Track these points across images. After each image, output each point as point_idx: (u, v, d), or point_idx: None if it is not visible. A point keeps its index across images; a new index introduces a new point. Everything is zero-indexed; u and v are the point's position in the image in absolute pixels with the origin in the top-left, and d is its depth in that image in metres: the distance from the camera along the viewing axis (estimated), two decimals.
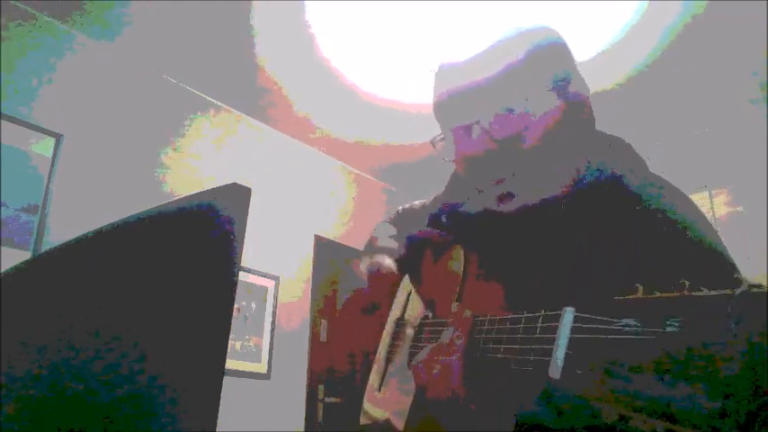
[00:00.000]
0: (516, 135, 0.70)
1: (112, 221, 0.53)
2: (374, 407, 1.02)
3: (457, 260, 0.90)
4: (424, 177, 3.01)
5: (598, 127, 0.80)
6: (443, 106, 0.77)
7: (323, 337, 3.56)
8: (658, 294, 0.41)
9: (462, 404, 0.63)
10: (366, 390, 1.10)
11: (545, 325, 0.53)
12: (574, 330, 0.48)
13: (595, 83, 3.23)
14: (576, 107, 0.73)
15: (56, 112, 2.63)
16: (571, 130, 0.73)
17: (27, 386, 0.48)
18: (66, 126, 2.65)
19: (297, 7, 2.59)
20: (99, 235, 0.52)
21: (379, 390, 1.03)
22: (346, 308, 1.10)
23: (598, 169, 0.73)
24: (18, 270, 0.52)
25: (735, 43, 2.74)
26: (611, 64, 2.88)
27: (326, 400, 3.44)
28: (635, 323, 0.41)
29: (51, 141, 2.58)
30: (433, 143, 0.81)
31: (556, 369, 0.48)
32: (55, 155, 2.58)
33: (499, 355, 0.60)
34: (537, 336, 0.54)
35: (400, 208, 1.20)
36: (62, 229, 2.48)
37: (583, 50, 2.81)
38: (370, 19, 2.66)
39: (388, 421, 0.93)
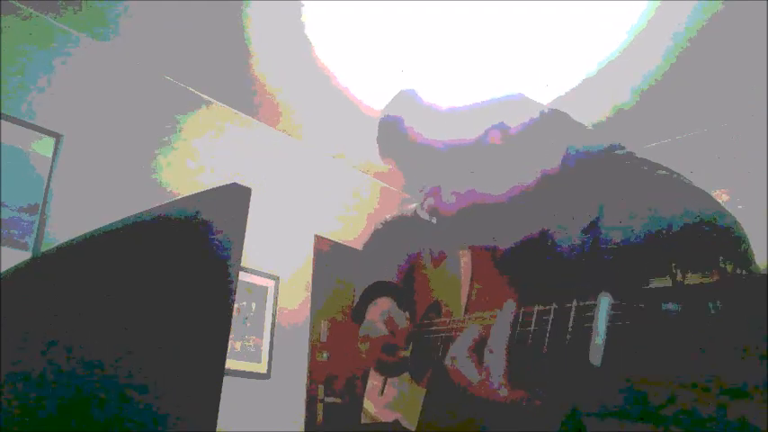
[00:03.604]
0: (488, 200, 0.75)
1: (112, 222, 0.53)
2: (377, 408, 1.03)
3: (458, 263, 0.90)
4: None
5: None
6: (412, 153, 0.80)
7: (323, 337, 3.56)
8: (698, 280, 0.42)
9: (511, 402, 0.60)
10: (367, 391, 1.10)
11: (584, 315, 0.52)
12: (612, 318, 0.48)
13: (597, 88, 3.19)
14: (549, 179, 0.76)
15: (55, 111, 2.63)
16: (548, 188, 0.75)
17: (27, 386, 0.48)
18: (66, 126, 2.64)
19: (295, 6, 2.59)
20: (99, 235, 0.52)
21: (382, 393, 1.04)
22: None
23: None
24: (18, 270, 0.52)
25: (737, 45, 2.75)
26: (613, 67, 2.88)
27: (326, 399, 3.44)
28: (675, 307, 0.42)
29: (51, 141, 2.58)
30: (421, 212, 0.84)
31: (596, 356, 0.48)
32: (55, 155, 2.58)
33: (541, 348, 0.58)
34: (572, 326, 0.53)
35: (389, 216, 1.22)
36: (62, 229, 2.48)
37: (586, 56, 2.82)
38: (368, 20, 2.66)
39: (396, 422, 0.93)
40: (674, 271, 0.43)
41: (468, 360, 0.64)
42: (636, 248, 0.59)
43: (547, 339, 0.57)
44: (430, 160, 0.78)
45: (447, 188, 0.77)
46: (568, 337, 0.53)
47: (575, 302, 0.54)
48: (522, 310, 0.62)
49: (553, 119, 0.80)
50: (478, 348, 0.64)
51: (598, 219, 0.65)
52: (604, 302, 0.49)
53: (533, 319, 0.60)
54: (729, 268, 0.39)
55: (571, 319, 0.53)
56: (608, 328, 0.48)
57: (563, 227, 0.70)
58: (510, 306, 0.63)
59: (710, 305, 0.39)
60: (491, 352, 0.62)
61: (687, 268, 0.42)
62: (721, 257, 0.40)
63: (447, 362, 0.69)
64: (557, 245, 0.70)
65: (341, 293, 3.63)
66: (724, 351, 0.38)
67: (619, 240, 0.61)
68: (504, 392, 0.60)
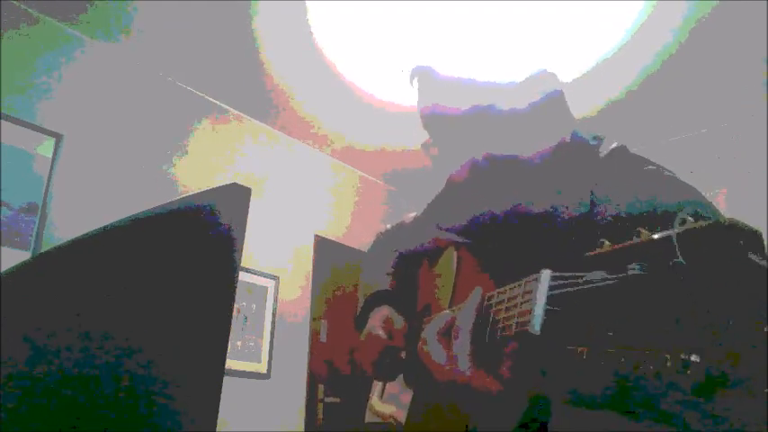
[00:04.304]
0: (510, 164, 0.75)
1: (112, 221, 0.53)
2: (379, 406, 1.05)
3: (449, 261, 0.92)
4: (425, 179, 3.01)
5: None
6: (440, 126, 0.80)
7: (323, 337, 3.56)
8: (617, 245, 0.45)
9: (478, 387, 0.61)
10: (373, 390, 1.12)
11: (528, 290, 0.54)
12: (552, 288, 0.50)
13: (597, 87, 3.18)
14: (568, 148, 0.77)
15: (56, 112, 2.63)
16: (566, 164, 0.76)
17: (28, 386, 0.48)
18: (67, 126, 2.64)
19: (301, 9, 2.59)
20: (99, 235, 0.52)
21: (382, 395, 1.05)
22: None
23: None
24: (18, 270, 0.52)
25: (737, 44, 2.75)
26: (613, 66, 2.89)
27: (326, 400, 3.44)
28: (603, 273, 0.45)
29: (53, 142, 2.58)
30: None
31: (535, 325, 0.50)
32: (55, 155, 2.58)
33: (498, 329, 0.59)
34: (521, 302, 0.55)
35: (388, 226, 1.23)
36: (62, 229, 2.48)
37: (585, 54, 2.81)
38: (374, 20, 2.66)
39: (393, 419, 0.95)
40: (603, 241, 0.47)
41: (437, 343, 0.66)
42: (619, 226, 0.63)
43: (503, 321, 0.58)
44: (457, 129, 0.78)
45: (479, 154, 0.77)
46: (516, 316, 0.55)
47: (524, 280, 0.55)
48: (488, 294, 0.64)
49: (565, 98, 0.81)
50: (447, 333, 0.67)
51: (594, 195, 0.69)
52: (545, 274, 0.51)
53: (493, 302, 0.62)
54: (645, 233, 0.41)
55: (520, 296, 0.55)
56: (548, 298, 0.50)
57: (557, 204, 0.72)
58: (477, 292, 0.65)
59: (630, 267, 0.41)
60: (457, 336, 0.63)
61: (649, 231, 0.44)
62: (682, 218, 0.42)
63: (418, 346, 0.70)
64: (549, 218, 0.73)
65: (341, 293, 3.64)
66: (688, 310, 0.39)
67: (611, 214, 0.66)
68: (468, 373, 0.61)
